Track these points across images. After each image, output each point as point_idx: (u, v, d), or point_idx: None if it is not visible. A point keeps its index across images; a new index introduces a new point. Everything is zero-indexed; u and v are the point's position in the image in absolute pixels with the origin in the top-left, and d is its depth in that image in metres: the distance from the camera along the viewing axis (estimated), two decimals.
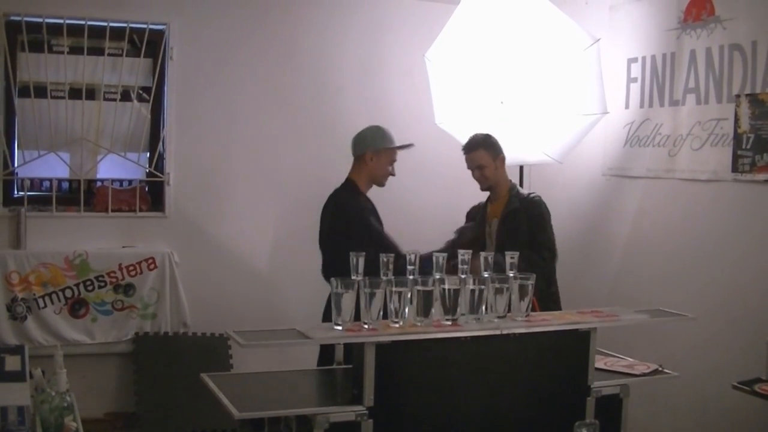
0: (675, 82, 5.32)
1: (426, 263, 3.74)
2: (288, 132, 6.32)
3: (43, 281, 5.74)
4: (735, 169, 4.85)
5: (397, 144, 4.98)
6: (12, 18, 5.72)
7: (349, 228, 4.74)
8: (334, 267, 4.60)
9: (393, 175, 4.99)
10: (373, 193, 5.30)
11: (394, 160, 4.98)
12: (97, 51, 5.93)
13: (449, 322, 3.48)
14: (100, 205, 5.99)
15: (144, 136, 6.13)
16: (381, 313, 3.40)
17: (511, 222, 4.92)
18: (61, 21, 5.78)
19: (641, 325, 4.14)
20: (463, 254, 3.69)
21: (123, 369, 5.96)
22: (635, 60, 5.65)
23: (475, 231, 5.11)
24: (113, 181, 6.07)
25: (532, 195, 5.02)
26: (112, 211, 5.99)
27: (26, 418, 2.66)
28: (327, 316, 4.62)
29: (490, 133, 5.08)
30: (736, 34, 4.88)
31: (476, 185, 5.11)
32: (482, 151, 5.00)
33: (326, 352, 4.51)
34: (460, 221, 5.40)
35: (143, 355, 5.92)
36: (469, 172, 5.06)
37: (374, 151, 4.92)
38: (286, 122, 6.34)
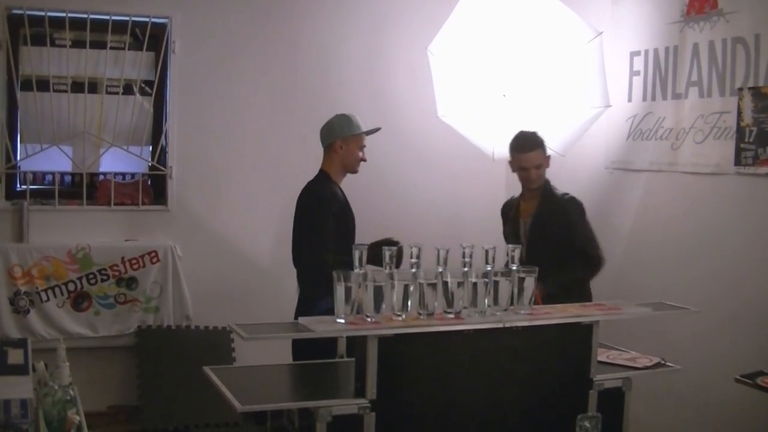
0: (678, 75, 5.31)
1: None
2: (290, 125, 6.32)
3: (45, 275, 5.75)
4: (738, 162, 4.84)
5: (364, 129, 4.88)
6: (14, 11, 5.72)
7: (314, 211, 4.72)
8: (298, 251, 4.77)
9: (364, 160, 4.89)
10: (376, 187, 5.30)
11: (364, 146, 4.89)
12: (100, 44, 5.93)
13: (452, 316, 3.48)
14: (103, 198, 6.00)
15: (146, 129, 6.14)
16: (383, 306, 3.41)
17: (545, 223, 4.90)
18: (63, 15, 5.78)
19: (644, 318, 4.14)
20: (465, 246, 3.68)
21: (126, 362, 5.97)
22: (638, 53, 5.64)
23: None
24: (116, 174, 6.07)
25: (567, 195, 4.98)
26: (115, 204, 6.00)
27: (29, 412, 2.67)
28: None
29: (536, 130, 5.04)
30: (739, 28, 4.87)
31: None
32: (540, 151, 4.96)
33: (300, 347, 4.53)
34: (462, 215, 5.41)
35: (146, 348, 5.93)
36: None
37: (343, 140, 4.83)
38: (288, 115, 6.34)
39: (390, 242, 4.60)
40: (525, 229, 5.05)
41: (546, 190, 5.02)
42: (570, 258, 4.79)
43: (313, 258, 4.61)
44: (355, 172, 4.89)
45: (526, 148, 4.98)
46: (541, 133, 5.04)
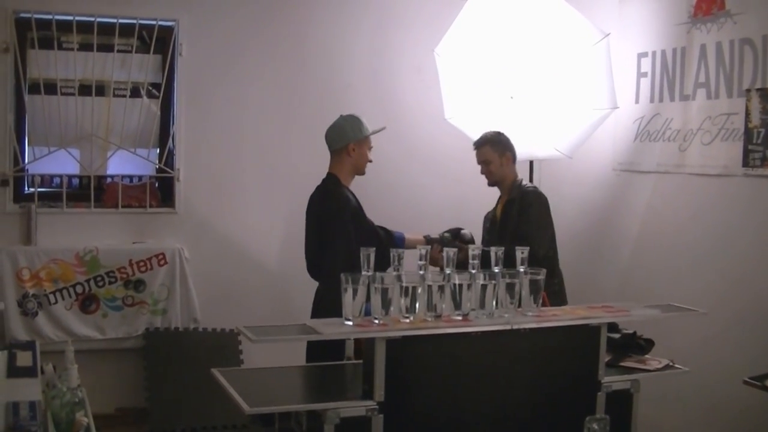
0: (685, 76, 5.31)
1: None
2: (297, 128, 6.32)
3: (53, 277, 5.76)
4: (745, 163, 4.84)
5: (372, 129, 4.81)
6: (22, 15, 5.74)
7: (334, 222, 4.61)
8: (338, 261, 4.42)
9: (371, 161, 4.83)
10: (382, 189, 5.30)
11: (371, 146, 4.84)
12: (107, 48, 5.94)
13: (459, 318, 3.48)
14: (110, 201, 6.00)
15: (154, 132, 6.14)
16: (391, 308, 3.41)
17: (506, 215, 5.01)
18: (70, 18, 5.79)
19: (652, 320, 4.14)
20: (474, 249, 3.69)
21: (133, 364, 5.97)
22: (645, 55, 5.64)
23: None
24: (123, 177, 6.08)
25: (529, 186, 5.12)
26: (122, 207, 6.00)
27: (38, 414, 2.67)
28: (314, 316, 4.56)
29: (501, 132, 5.14)
30: (746, 29, 4.87)
31: (483, 183, 5.15)
32: (488, 148, 5.09)
33: (314, 348, 4.51)
34: (470, 217, 5.40)
35: (153, 350, 5.93)
36: (474, 171, 5.13)
37: (356, 142, 4.75)
38: (295, 118, 6.34)
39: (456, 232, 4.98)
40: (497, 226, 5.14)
41: (514, 186, 5.09)
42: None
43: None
44: (363, 173, 4.84)
45: (476, 144, 5.17)
46: (502, 135, 5.12)
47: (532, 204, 4.95)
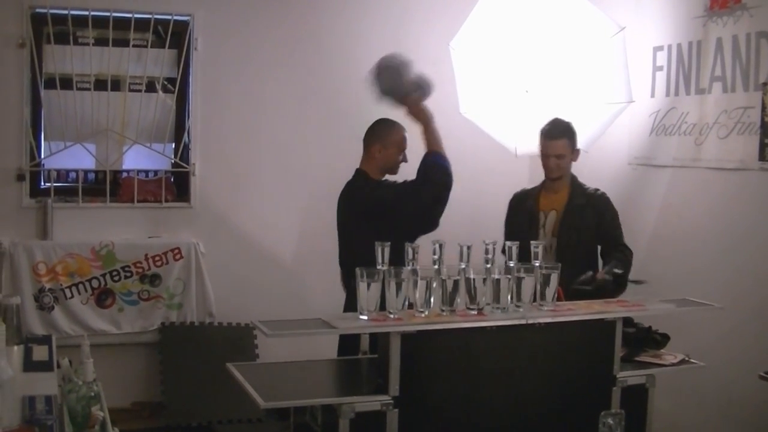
0: (701, 70, 5.28)
1: None
2: (313, 122, 6.32)
3: (69, 271, 5.78)
4: (762, 157, 4.81)
5: (406, 134, 4.81)
6: (38, 10, 5.75)
7: (365, 212, 4.66)
8: (353, 255, 4.54)
9: (406, 161, 4.82)
10: None
11: (404, 148, 4.82)
12: (122, 42, 5.95)
13: (474, 312, 3.48)
14: (126, 195, 6.02)
15: (169, 126, 6.16)
16: (406, 302, 3.41)
17: (576, 218, 4.84)
18: (86, 13, 5.80)
19: (667, 314, 4.12)
20: (488, 243, 3.68)
21: (149, 359, 6.00)
22: (661, 48, 5.61)
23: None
24: (139, 171, 6.10)
25: (598, 192, 4.93)
26: (138, 201, 6.03)
27: (54, 408, 2.68)
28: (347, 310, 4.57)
29: (571, 121, 4.96)
30: (762, 22, 4.84)
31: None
32: (565, 141, 4.88)
33: (347, 342, 4.50)
34: (485, 211, 5.40)
35: (169, 344, 5.95)
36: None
37: (382, 144, 4.77)
38: (310, 112, 6.34)
39: None
40: (548, 221, 4.94)
41: (575, 184, 4.95)
42: (613, 250, 4.75)
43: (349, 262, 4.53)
44: (395, 173, 4.83)
45: (551, 134, 4.90)
46: (574, 126, 4.96)
47: (608, 210, 4.90)
